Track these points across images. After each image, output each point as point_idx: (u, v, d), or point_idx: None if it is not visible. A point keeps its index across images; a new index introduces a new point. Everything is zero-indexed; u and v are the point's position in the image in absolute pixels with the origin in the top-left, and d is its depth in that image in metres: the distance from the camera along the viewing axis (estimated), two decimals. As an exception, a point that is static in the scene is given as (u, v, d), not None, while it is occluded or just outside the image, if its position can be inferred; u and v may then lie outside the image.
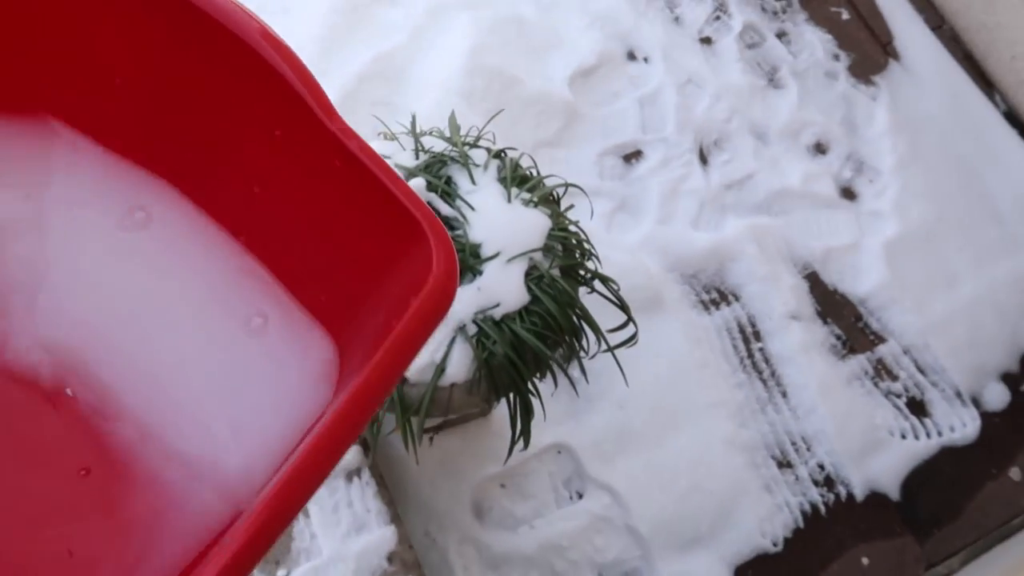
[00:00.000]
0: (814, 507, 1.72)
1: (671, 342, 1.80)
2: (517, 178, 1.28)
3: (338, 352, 0.60)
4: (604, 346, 1.27)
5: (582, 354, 1.27)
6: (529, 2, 2.15)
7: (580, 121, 2.04)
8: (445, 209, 1.20)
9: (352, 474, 1.30)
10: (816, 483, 1.74)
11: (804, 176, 2.04)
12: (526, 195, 1.26)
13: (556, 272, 1.21)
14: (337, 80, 1.92)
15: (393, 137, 1.30)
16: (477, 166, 1.27)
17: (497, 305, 1.16)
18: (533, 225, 1.21)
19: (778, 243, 1.95)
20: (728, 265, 1.91)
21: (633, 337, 1.33)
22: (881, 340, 1.90)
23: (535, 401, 1.23)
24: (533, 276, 1.19)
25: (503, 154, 1.34)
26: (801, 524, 1.70)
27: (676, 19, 2.24)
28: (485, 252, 1.18)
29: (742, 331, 1.86)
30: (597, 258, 1.29)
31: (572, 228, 1.26)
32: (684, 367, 1.79)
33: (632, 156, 2.03)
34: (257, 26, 0.55)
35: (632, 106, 2.08)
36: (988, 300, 1.94)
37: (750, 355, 1.84)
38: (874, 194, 2.05)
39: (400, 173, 1.22)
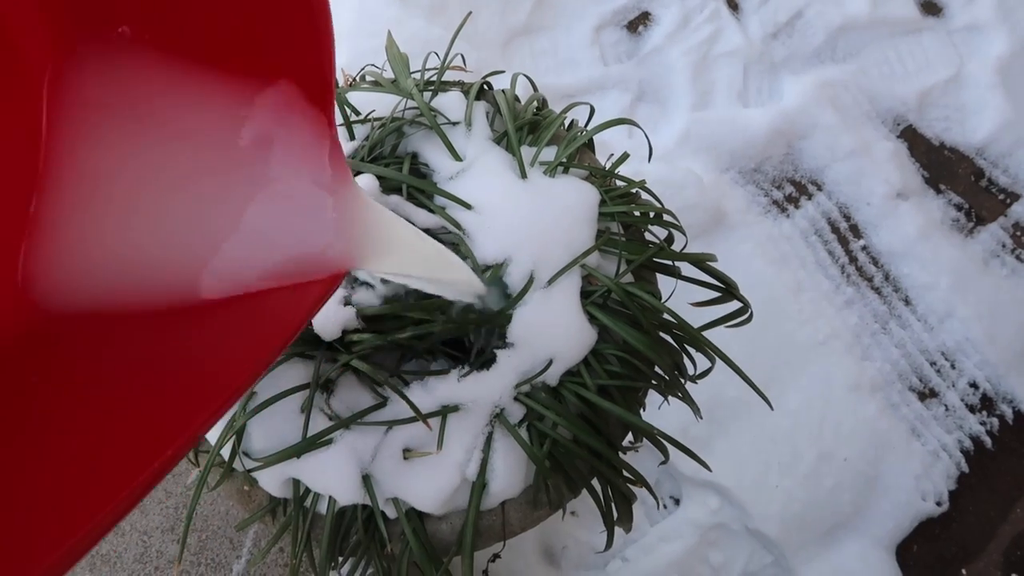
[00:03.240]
0: (976, 441, 1.31)
1: (748, 269, 1.34)
2: (524, 127, 0.77)
3: None
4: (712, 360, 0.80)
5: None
6: None
7: (558, -11, 1.48)
8: (423, 217, 0.70)
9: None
10: (972, 408, 1.32)
11: (870, -3, 1.50)
12: (548, 155, 0.75)
13: (629, 279, 0.73)
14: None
15: (304, 104, 0.78)
16: (454, 124, 0.75)
17: (549, 363, 0.68)
18: (571, 207, 0.72)
19: (857, 98, 1.44)
20: (799, 145, 1.41)
21: (744, 312, 0.85)
22: (1014, 197, 1.43)
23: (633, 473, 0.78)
24: (594, 296, 0.71)
25: (486, 88, 0.82)
26: (965, 468, 1.29)
27: None
28: (511, 279, 0.69)
29: (835, 230, 1.39)
30: (677, 224, 0.79)
31: (634, 190, 0.76)
32: (773, 299, 1.33)
33: (638, 22, 1.49)
34: None
35: (622, -49, 1.51)
36: None
37: (852, 259, 1.37)
38: (965, 0, 1.52)
39: (330, 171, 0.71)
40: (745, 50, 1.45)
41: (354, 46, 1.27)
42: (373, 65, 0.88)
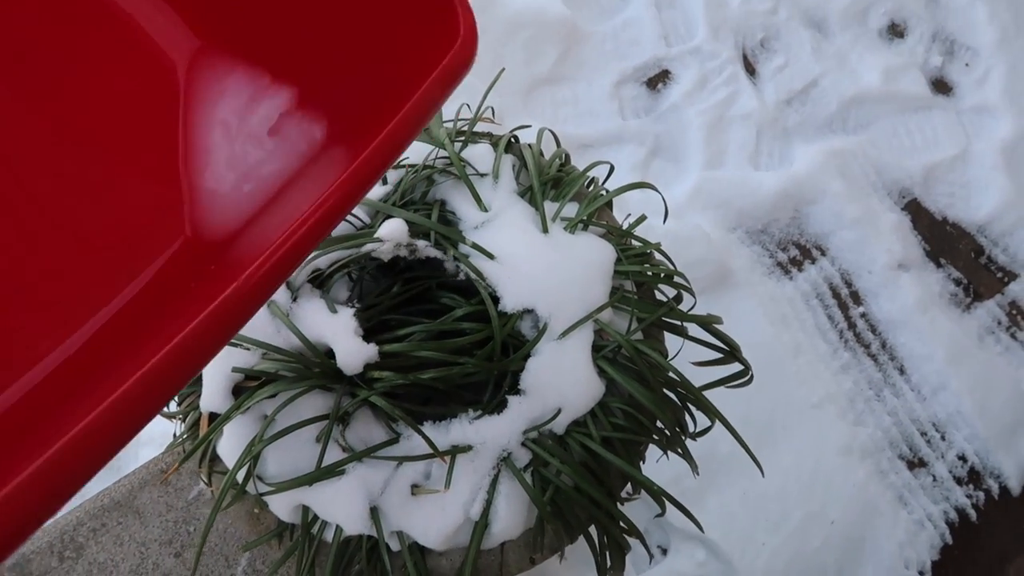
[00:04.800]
0: (962, 513, 1.33)
1: (750, 327, 1.37)
2: (548, 182, 0.81)
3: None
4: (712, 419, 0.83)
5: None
6: None
7: (583, 42, 1.53)
8: (447, 264, 0.74)
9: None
10: (959, 481, 1.35)
11: (883, 72, 1.55)
12: (569, 210, 0.79)
13: (639, 336, 0.76)
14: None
15: (340, 145, 0.82)
16: (482, 176, 0.79)
17: (557, 412, 0.71)
18: (588, 264, 0.75)
19: (865, 169, 1.48)
20: (806, 210, 1.45)
21: (745, 374, 0.89)
22: (1012, 276, 1.47)
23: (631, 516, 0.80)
24: (604, 350, 0.74)
25: (513, 141, 0.86)
26: (949, 539, 1.31)
27: None
28: (525, 328, 0.72)
29: (836, 295, 1.42)
30: (687, 286, 0.83)
31: (648, 251, 0.80)
32: (772, 358, 1.36)
33: (658, 80, 1.54)
34: None
35: (646, 11, 1.57)
36: None
37: (851, 325, 1.41)
38: (975, 82, 1.57)
39: (362, 212, 0.75)
40: (759, 114, 1.50)
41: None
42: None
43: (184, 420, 0.77)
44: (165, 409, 0.81)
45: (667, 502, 0.75)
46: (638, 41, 1.54)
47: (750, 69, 1.56)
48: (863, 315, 1.41)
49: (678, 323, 0.81)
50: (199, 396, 0.73)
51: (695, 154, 1.46)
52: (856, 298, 1.42)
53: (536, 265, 0.73)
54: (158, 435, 1.22)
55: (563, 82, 1.49)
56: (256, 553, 1.04)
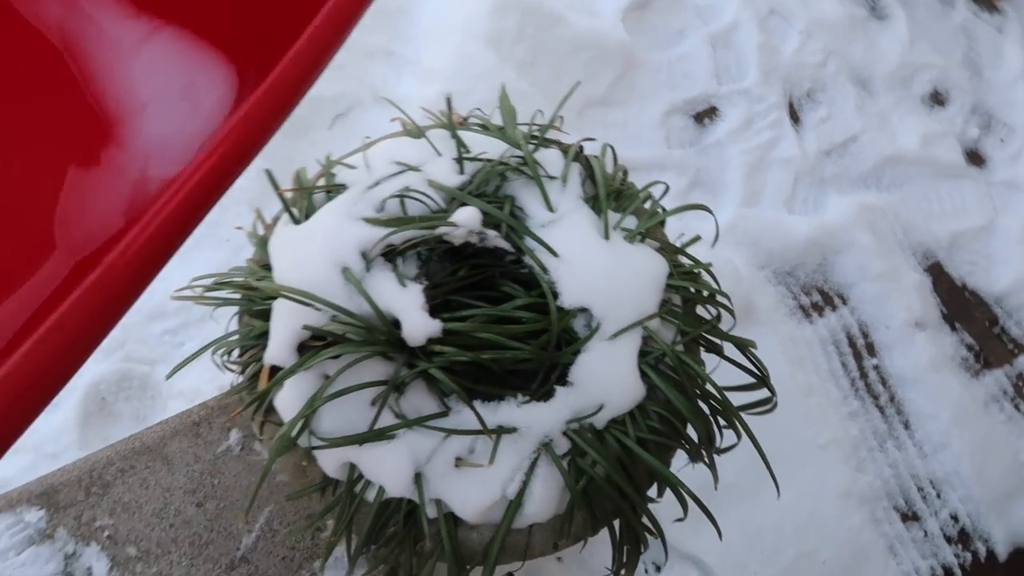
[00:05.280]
0: (948, 572, 1.36)
1: (767, 363, 1.40)
2: (611, 193, 0.85)
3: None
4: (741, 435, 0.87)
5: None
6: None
7: (638, 69, 1.58)
8: (511, 255, 0.78)
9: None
10: (949, 540, 1.38)
11: (921, 136, 1.61)
12: (628, 223, 0.83)
13: (681, 348, 0.80)
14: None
15: (419, 132, 0.86)
16: (552, 179, 0.84)
17: (600, 408, 0.75)
18: (644, 274, 0.79)
19: (893, 227, 1.53)
20: (833, 259, 1.50)
21: (769, 401, 0.94)
22: (1022, 349, 1.51)
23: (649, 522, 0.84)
24: (649, 356, 0.78)
25: (580, 151, 0.90)
26: (934, 594, 1.35)
27: (752, -70, 1.75)
28: (578, 325, 0.76)
29: (852, 344, 1.47)
30: (729, 305, 0.87)
31: (697, 270, 0.84)
32: (784, 396, 1.39)
33: (705, 115, 1.59)
34: None
35: (702, 47, 1.63)
36: None
37: (863, 375, 1.45)
38: (1008, 158, 1.63)
39: (438, 197, 0.79)
40: (799, 161, 1.55)
41: (447, 86, 1.37)
42: (479, 110, 0.97)
43: (244, 372, 0.81)
44: (224, 359, 0.85)
45: (690, 506, 0.79)
46: (691, 75, 1.60)
47: (794, 117, 1.61)
48: (876, 367, 1.46)
49: (717, 341, 0.85)
50: (263, 349, 0.77)
51: (733, 191, 1.51)
52: (871, 350, 1.47)
53: (595, 268, 0.77)
54: (188, 390, 1.26)
55: (615, 105, 1.54)
56: (274, 512, 1.07)
